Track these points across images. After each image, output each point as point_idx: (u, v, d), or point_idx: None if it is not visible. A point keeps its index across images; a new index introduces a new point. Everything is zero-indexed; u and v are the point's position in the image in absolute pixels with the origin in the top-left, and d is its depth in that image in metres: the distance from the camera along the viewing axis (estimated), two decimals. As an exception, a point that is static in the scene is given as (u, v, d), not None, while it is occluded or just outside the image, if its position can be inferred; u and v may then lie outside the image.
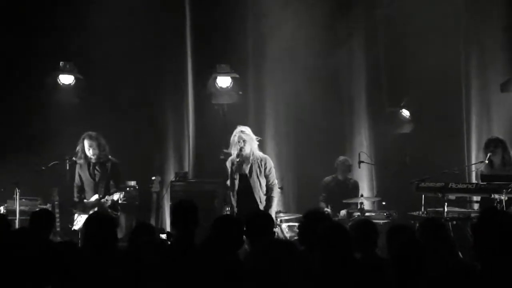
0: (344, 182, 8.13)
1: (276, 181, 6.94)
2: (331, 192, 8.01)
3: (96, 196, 7.15)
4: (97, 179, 7.18)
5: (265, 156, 7.00)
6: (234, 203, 6.84)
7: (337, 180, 8.13)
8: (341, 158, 8.16)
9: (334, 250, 3.57)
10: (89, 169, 7.23)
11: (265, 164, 6.86)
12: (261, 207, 6.76)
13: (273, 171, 6.93)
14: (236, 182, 6.84)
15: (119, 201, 7.03)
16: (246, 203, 6.74)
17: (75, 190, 7.32)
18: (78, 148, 7.18)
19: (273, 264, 2.71)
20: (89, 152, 7.13)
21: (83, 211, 7.07)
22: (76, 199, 7.24)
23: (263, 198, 6.82)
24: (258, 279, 2.66)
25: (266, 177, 6.85)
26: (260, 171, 6.84)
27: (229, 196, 6.87)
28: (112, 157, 7.30)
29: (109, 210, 7.00)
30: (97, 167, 7.20)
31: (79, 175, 7.30)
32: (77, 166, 7.28)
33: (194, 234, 4.27)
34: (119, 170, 7.27)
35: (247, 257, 3.41)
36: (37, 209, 6.13)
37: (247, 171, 6.83)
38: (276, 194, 6.88)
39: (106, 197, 7.01)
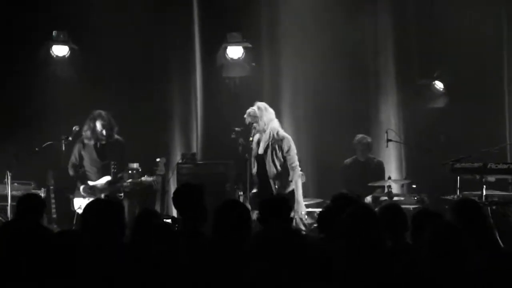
0: (366, 163, 8.02)
1: (297, 164, 6.85)
2: (352, 176, 7.92)
3: (106, 178, 7.16)
4: (105, 160, 7.20)
5: (286, 135, 6.89)
6: (252, 186, 6.82)
7: (357, 162, 8.03)
8: (358, 136, 8.03)
9: (361, 238, 3.50)
10: (97, 149, 7.24)
11: (281, 145, 6.80)
12: (276, 190, 6.74)
13: (294, 152, 6.85)
14: (250, 162, 6.85)
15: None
16: (262, 187, 6.76)
17: (72, 170, 7.29)
18: (86, 127, 7.20)
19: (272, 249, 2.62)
20: (102, 133, 7.17)
21: (91, 194, 7.03)
22: (79, 183, 7.21)
23: (279, 181, 6.74)
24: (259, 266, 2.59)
25: (286, 158, 6.76)
26: (277, 151, 6.74)
27: (246, 178, 6.84)
28: (119, 137, 7.34)
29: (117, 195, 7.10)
30: (106, 148, 7.23)
31: (80, 156, 7.27)
32: (78, 146, 7.28)
33: (201, 219, 4.25)
34: (126, 150, 7.31)
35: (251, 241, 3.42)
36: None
37: (263, 151, 6.76)
38: (298, 177, 6.78)
39: (128, 180, 7.06)
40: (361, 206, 3.84)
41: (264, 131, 6.79)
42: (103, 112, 7.24)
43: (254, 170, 6.91)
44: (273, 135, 6.81)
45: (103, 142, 7.26)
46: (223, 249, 3.78)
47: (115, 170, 7.12)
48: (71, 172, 7.33)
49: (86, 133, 7.21)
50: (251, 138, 6.78)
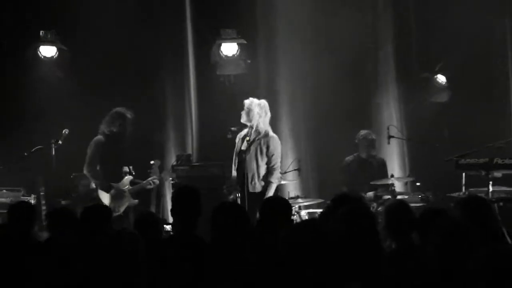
0: (367, 160, 7.98)
1: (278, 166, 6.76)
2: (353, 174, 7.88)
3: (130, 178, 7.14)
4: (125, 158, 7.21)
5: (273, 134, 6.86)
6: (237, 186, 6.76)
7: (359, 159, 7.99)
8: (363, 132, 7.99)
9: (356, 240, 3.46)
10: (120, 148, 7.18)
11: (267, 143, 6.73)
12: (251, 189, 6.60)
13: (277, 153, 6.77)
14: (234, 160, 6.79)
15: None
16: (240, 185, 6.65)
17: (101, 173, 7.11)
18: (116, 124, 7.09)
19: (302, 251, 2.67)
20: (128, 129, 7.16)
21: (119, 198, 7.01)
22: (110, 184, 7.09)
23: (258, 184, 6.68)
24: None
25: (268, 158, 6.72)
26: (261, 151, 6.72)
27: (234, 179, 6.79)
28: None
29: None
30: (122, 146, 7.24)
31: (106, 155, 7.12)
32: (98, 145, 7.07)
33: (196, 224, 4.25)
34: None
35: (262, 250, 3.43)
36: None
37: (245, 147, 6.73)
38: (276, 179, 6.74)
39: (154, 179, 7.08)
40: (357, 205, 3.79)
41: (252, 127, 6.74)
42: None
43: (235, 168, 6.82)
44: (259, 131, 6.76)
45: (124, 140, 7.27)
46: (222, 254, 3.80)
47: (129, 170, 7.13)
48: (102, 178, 7.19)
49: (114, 129, 7.15)
50: (243, 134, 6.74)
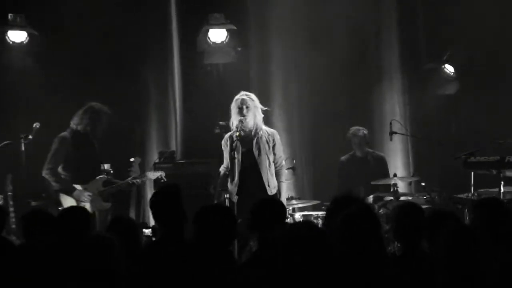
0: (363, 159, 8.01)
1: (284, 162, 6.86)
2: (348, 174, 7.91)
3: (103, 178, 7.14)
4: (96, 158, 7.21)
5: (273, 130, 6.92)
6: (233, 188, 6.72)
7: (355, 158, 8.03)
8: (352, 129, 8.02)
9: (358, 245, 3.46)
10: (91, 146, 7.18)
11: (273, 140, 6.79)
12: (269, 192, 6.68)
13: (281, 148, 6.85)
14: (237, 161, 6.73)
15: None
16: (252, 188, 6.65)
17: (63, 172, 7.11)
18: (87, 121, 7.09)
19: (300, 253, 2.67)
20: (102, 127, 7.15)
21: (85, 201, 6.99)
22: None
23: (272, 181, 6.72)
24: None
25: (274, 155, 6.78)
26: (269, 147, 6.74)
27: (224, 180, 6.77)
28: None
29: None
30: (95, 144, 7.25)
31: (71, 154, 7.11)
32: (62, 142, 7.08)
33: (183, 228, 4.27)
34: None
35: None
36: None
37: (253, 147, 6.72)
38: (285, 178, 6.78)
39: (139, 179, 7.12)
40: (358, 207, 3.78)
41: (252, 128, 6.71)
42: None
43: (239, 168, 6.80)
44: (263, 128, 6.75)
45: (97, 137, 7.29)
46: (208, 259, 3.81)
47: (103, 168, 7.17)
48: (64, 177, 7.20)
49: (86, 126, 7.16)
50: (237, 133, 6.71)
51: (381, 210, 7.08)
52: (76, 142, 7.07)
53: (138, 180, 7.18)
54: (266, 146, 6.73)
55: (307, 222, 3.13)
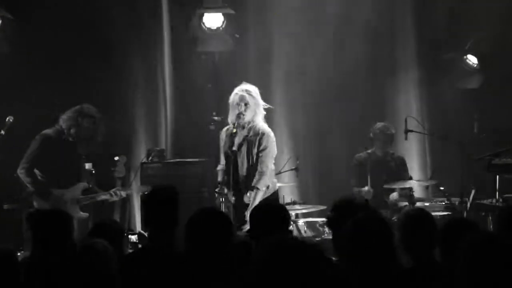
0: (384, 158, 8.01)
1: (268, 169, 6.73)
2: (367, 174, 7.82)
3: (83, 185, 7.19)
4: (80, 162, 7.26)
5: (268, 130, 6.80)
6: (228, 189, 6.75)
7: (374, 157, 8.00)
8: (379, 124, 8.02)
9: (367, 257, 3.46)
10: (75, 149, 7.21)
11: (260, 139, 6.70)
12: (245, 199, 6.66)
13: (270, 153, 6.75)
14: (232, 159, 6.75)
15: None
16: (247, 188, 6.70)
17: (41, 174, 7.10)
18: (71, 122, 7.12)
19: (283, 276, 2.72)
20: (88, 132, 7.19)
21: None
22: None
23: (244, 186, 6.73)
24: None
25: (258, 158, 6.72)
26: (253, 148, 6.69)
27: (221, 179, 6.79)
28: None
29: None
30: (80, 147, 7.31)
31: (53, 155, 7.11)
32: (44, 141, 7.12)
33: (174, 234, 4.29)
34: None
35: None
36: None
37: (236, 146, 6.71)
38: (263, 186, 6.70)
39: (124, 192, 7.20)
40: (367, 214, 3.78)
41: (246, 125, 6.69)
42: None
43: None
44: (255, 127, 6.70)
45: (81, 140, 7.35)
46: (200, 269, 3.78)
47: (89, 174, 7.22)
48: (41, 180, 7.22)
49: (70, 128, 7.20)
50: (234, 130, 6.69)
51: (394, 217, 7.03)
52: (60, 143, 7.09)
53: (121, 193, 7.16)
54: (255, 149, 6.71)
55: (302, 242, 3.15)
